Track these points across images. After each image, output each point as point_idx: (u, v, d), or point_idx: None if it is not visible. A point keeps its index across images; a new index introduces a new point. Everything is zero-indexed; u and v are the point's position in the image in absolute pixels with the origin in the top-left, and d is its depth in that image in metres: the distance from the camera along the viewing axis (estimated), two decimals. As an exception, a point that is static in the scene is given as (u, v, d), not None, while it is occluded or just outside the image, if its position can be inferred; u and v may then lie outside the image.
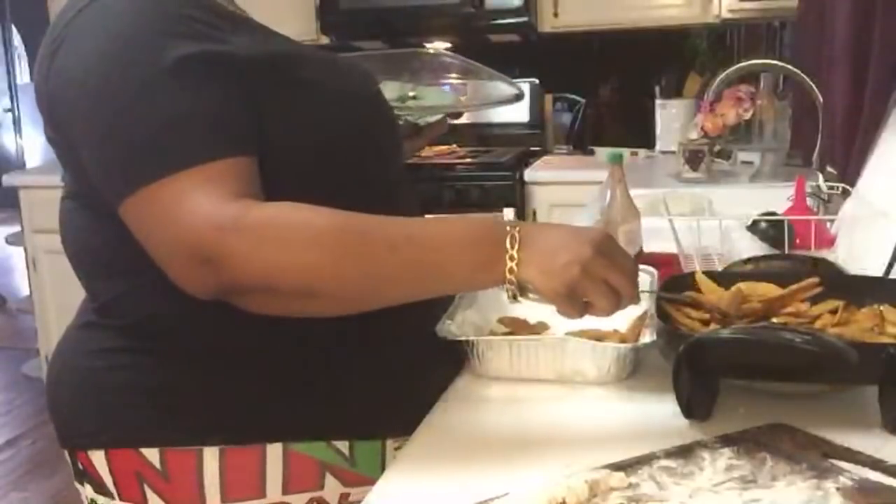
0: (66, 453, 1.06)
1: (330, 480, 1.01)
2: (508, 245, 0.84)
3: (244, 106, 0.91)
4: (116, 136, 0.88)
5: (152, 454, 0.98)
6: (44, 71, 0.95)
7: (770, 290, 1.05)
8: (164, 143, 0.86)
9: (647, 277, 1.18)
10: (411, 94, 1.46)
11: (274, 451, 0.98)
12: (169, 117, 0.87)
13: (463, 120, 3.07)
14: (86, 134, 0.90)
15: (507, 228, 0.85)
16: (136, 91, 0.88)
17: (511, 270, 0.84)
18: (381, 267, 0.85)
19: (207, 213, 0.83)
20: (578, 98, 3.68)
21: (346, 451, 1.01)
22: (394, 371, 1.04)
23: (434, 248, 0.86)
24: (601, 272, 0.85)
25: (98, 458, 1.00)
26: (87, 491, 1.04)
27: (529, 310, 1.18)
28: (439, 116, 1.44)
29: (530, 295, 0.86)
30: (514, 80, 1.62)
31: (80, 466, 1.03)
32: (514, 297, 0.86)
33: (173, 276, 0.87)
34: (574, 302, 0.85)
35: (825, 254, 1.48)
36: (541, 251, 0.84)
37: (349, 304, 0.90)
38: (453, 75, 1.49)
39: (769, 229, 1.55)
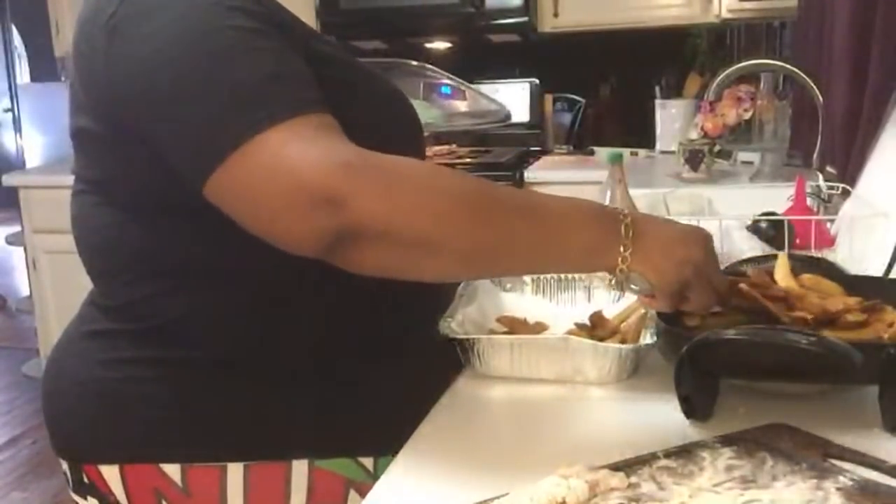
0: (63, 464, 1.03)
1: (354, 497, 0.99)
2: (623, 234, 0.84)
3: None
4: (209, 99, 0.82)
5: (173, 470, 0.95)
6: (98, 56, 0.88)
7: (832, 288, 1.05)
8: (263, 97, 0.81)
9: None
10: None
11: (299, 468, 0.97)
12: (263, 75, 0.82)
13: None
14: (167, 108, 0.84)
15: (620, 216, 0.86)
16: (225, 55, 0.83)
17: (624, 260, 0.84)
18: (506, 228, 0.82)
19: (328, 154, 0.78)
20: (578, 98, 3.68)
21: (370, 466, 1.00)
22: (419, 384, 1.03)
23: (557, 222, 0.85)
24: (709, 273, 0.89)
25: (111, 472, 0.97)
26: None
27: (528, 309, 1.18)
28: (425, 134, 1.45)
29: (632, 286, 0.88)
30: (514, 81, 1.63)
31: (86, 480, 1.00)
32: (617, 286, 0.87)
33: (284, 231, 0.79)
34: (680, 298, 0.88)
35: (825, 254, 1.48)
36: (654, 246, 0.86)
37: (463, 266, 0.85)
38: (446, 82, 1.51)
39: (769, 229, 1.55)
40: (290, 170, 0.77)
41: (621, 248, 0.84)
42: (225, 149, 0.79)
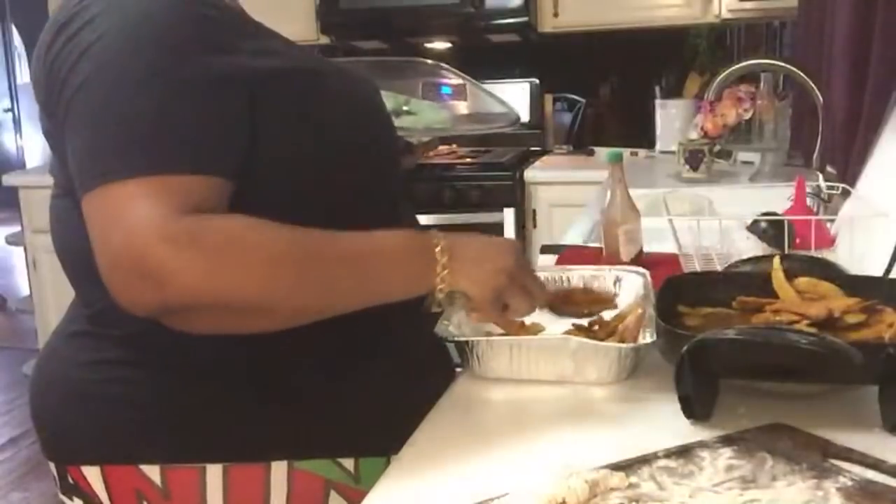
0: (51, 465, 1.03)
1: (334, 498, 1.00)
2: (438, 256, 0.92)
3: (239, 124, 0.89)
4: (98, 129, 0.85)
5: (152, 471, 0.96)
6: (43, 56, 0.91)
7: (829, 290, 1.04)
8: (136, 146, 0.83)
9: (639, 279, 1.18)
10: (405, 107, 1.46)
11: (279, 469, 0.97)
12: (151, 123, 0.84)
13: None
14: (72, 123, 0.87)
15: (434, 241, 0.93)
16: (130, 90, 0.85)
17: (443, 280, 0.92)
18: (330, 279, 0.88)
19: (157, 224, 0.79)
20: (578, 98, 3.68)
21: (351, 468, 1.00)
22: (400, 385, 1.03)
23: (375, 262, 0.91)
24: (522, 278, 0.98)
25: (93, 473, 0.98)
26: None
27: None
28: (432, 137, 1.45)
29: (456, 301, 0.98)
30: (515, 81, 1.63)
31: (71, 480, 1.00)
32: (439, 306, 0.95)
33: (112, 286, 0.82)
34: (498, 305, 0.97)
35: (825, 254, 1.48)
36: (468, 261, 0.95)
37: (295, 320, 0.89)
38: (452, 81, 1.50)
39: (769, 229, 1.55)
40: (125, 230, 0.80)
41: (438, 269, 0.92)
42: (90, 184, 0.83)
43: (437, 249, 0.92)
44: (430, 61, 1.74)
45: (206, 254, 0.80)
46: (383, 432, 0.96)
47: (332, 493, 1.00)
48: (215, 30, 0.91)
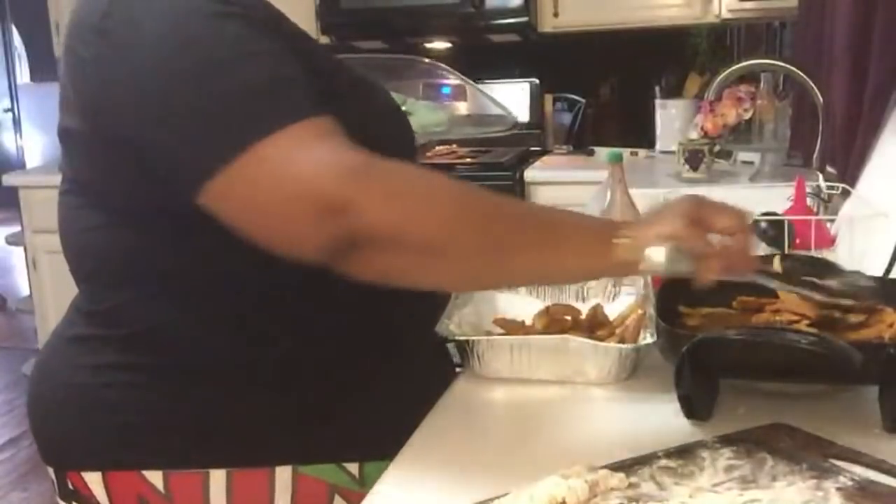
0: (50, 471, 1.02)
1: (339, 502, 0.99)
2: (619, 231, 0.85)
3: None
4: (204, 107, 0.81)
5: (155, 477, 0.95)
6: (88, 58, 0.88)
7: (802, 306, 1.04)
8: (263, 103, 0.81)
9: (639, 279, 1.18)
10: (403, 108, 1.46)
11: (283, 474, 0.96)
12: (261, 80, 0.82)
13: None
14: (159, 117, 0.83)
15: (614, 220, 0.88)
16: (220, 63, 0.82)
17: (629, 234, 0.84)
18: (509, 231, 0.83)
19: (334, 160, 0.77)
20: (578, 98, 3.68)
21: (355, 472, 1.00)
22: (404, 388, 1.02)
23: (554, 224, 0.87)
24: (704, 199, 0.87)
25: (94, 479, 0.97)
26: None
27: (523, 310, 1.18)
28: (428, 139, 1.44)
29: (654, 260, 0.84)
30: (514, 81, 1.63)
31: (70, 486, 0.99)
32: (641, 270, 0.85)
33: (291, 238, 0.79)
34: (700, 232, 0.85)
35: (825, 254, 1.48)
36: (648, 218, 0.87)
37: (469, 272, 0.85)
38: (451, 81, 1.50)
39: (769, 229, 1.55)
40: (297, 177, 0.77)
41: (619, 237, 0.84)
42: (225, 157, 0.79)
43: (619, 223, 0.89)
44: (426, 60, 1.74)
45: (388, 182, 0.79)
46: (387, 435, 0.95)
47: (337, 497, 0.99)
48: (259, 13, 0.89)
